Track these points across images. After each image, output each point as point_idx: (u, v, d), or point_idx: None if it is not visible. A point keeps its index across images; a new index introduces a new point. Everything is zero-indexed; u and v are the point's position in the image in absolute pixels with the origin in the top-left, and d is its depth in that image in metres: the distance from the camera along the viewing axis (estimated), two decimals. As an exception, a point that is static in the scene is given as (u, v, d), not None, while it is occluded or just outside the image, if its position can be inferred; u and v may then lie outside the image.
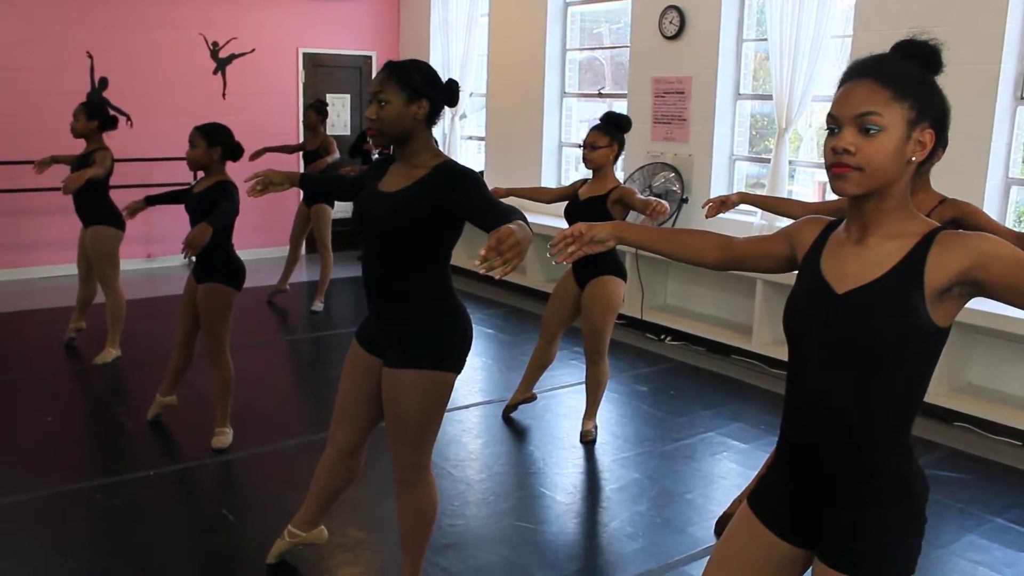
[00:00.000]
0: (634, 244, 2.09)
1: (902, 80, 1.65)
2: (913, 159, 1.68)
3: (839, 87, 1.71)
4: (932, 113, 1.67)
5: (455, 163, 2.75)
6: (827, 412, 1.74)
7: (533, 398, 4.99)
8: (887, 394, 1.69)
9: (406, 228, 2.67)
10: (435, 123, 2.80)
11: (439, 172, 2.68)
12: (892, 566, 1.73)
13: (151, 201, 4.70)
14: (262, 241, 9.25)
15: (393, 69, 2.71)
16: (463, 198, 2.59)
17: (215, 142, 4.25)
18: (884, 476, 1.73)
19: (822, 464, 1.77)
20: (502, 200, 4.64)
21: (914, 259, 1.66)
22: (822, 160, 1.74)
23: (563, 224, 4.66)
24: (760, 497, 1.92)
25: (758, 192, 6.75)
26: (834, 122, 1.68)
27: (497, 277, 2.00)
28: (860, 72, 1.69)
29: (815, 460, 1.78)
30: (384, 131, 2.71)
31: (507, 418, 4.96)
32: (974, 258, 1.61)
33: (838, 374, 1.71)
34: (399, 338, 2.78)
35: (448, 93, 2.79)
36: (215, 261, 4.21)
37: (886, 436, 1.72)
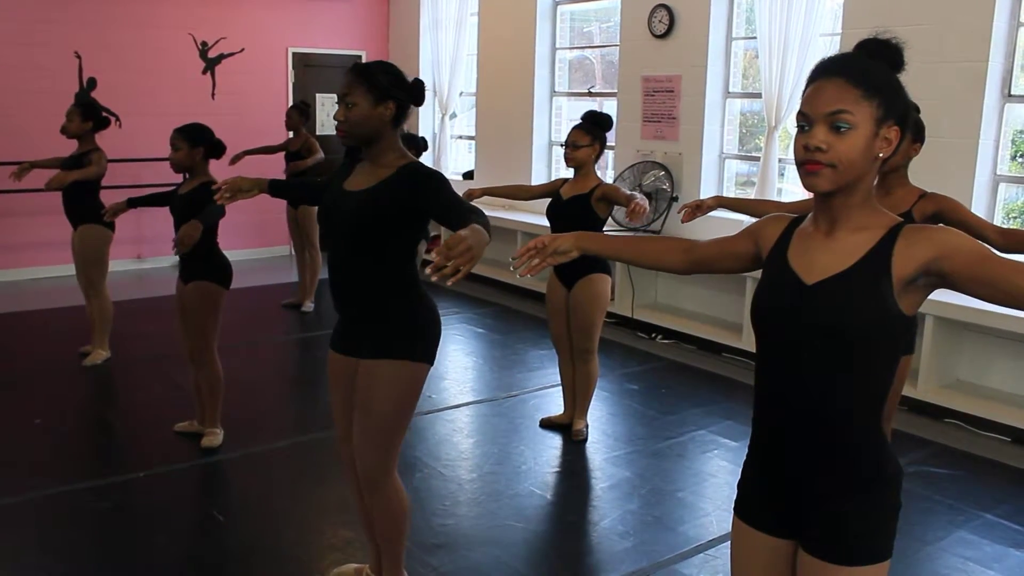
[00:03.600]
0: (597, 253, 2.14)
1: (871, 79, 1.69)
2: (880, 155, 1.72)
3: (808, 85, 1.75)
4: (898, 111, 1.71)
5: (420, 164, 2.80)
6: (799, 401, 1.77)
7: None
8: (856, 381, 1.73)
9: (370, 227, 2.69)
10: (402, 124, 2.83)
11: (404, 172, 2.71)
12: (871, 552, 1.75)
13: (133, 203, 4.68)
14: (250, 242, 9.23)
15: (360, 71, 2.75)
16: (427, 198, 2.64)
17: (197, 142, 4.24)
18: (858, 463, 1.75)
19: (796, 454, 1.79)
20: (475, 201, 4.66)
21: (882, 250, 1.70)
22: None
23: (547, 223, 4.65)
24: (741, 501, 1.94)
25: (748, 190, 6.78)
26: (805, 120, 1.72)
27: (447, 284, 2.01)
28: (830, 70, 1.72)
29: (788, 450, 1.80)
30: (352, 132, 2.75)
31: (544, 424, 4.86)
32: (938, 250, 1.65)
33: (809, 363, 1.74)
34: (368, 333, 2.80)
35: (414, 93, 2.82)
36: (201, 260, 4.20)
37: (858, 423, 1.75)
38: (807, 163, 1.70)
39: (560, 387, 4.87)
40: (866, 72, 1.69)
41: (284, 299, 7.63)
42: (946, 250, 1.64)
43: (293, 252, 7.56)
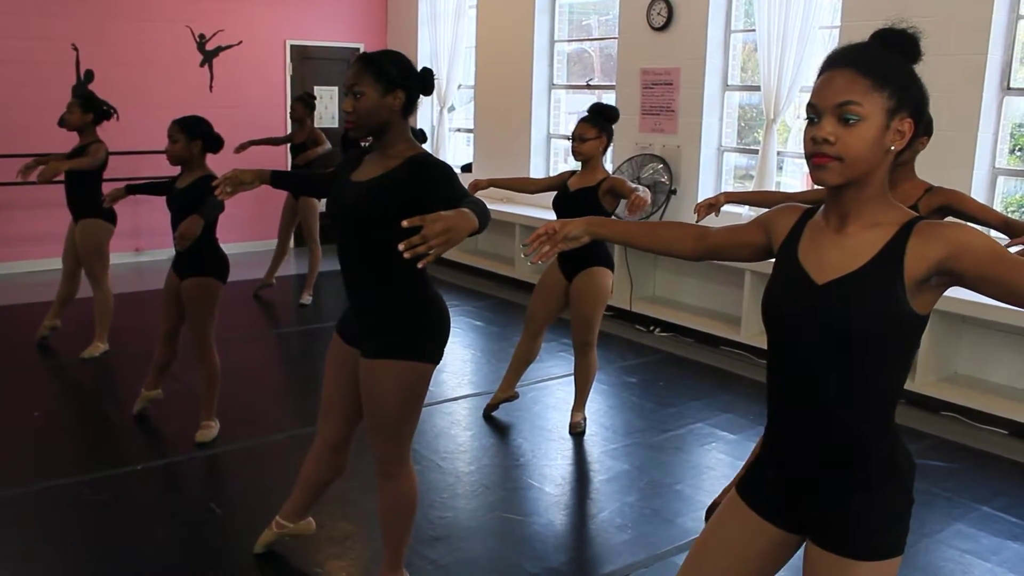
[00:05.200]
0: (608, 239, 2.11)
1: (881, 69, 1.65)
2: (892, 148, 1.68)
3: (819, 76, 1.72)
4: (911, 102, 1.67)
5: (429, 155, 2.76)
6: (809, 399, 1.75)
7: (515, 397, 4.90)
8: (869, 381, 1.71)
9: (376, 217, 2.67)
10: (411, 113, 2.80)
11: (412, 163, 2.69)
12: (883, 546, 1.74)
13: (132, 190, 4.67)
14: (249, 235, 9.21)
15: (368, 61, 2.71)
16: (432, 190, 2.62)
17: (195, 135, 4.22)
18: (870, 459, 1.74)
19: (808, 450, 1.78)
20: (482, 190, 4.63)
21: (894, 248, 1.67)
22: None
23: (552, 216, 4.65)
24: (749, 483, 1.93)
25: (747, 183, 6.78)
26: (814, 111, 1.68)
27: (419, 265, 2.01)
28: (840, 61, 1.69)
29: (800, 446, 1.79)
30: (361, 123, 2.71)
31: (488, 416, 4.89)
32: (951, 248, 1.61)
33: (819, 362, 1.72)
34: (374, 328, 2.78)
35: (423, 83, 2.79)
36: (199, 255, 4.19)
37: (870, 421, 1.73)
38: (815, 156, 1.67)
39: (557, 379, 4.87)
40: (877, 62, 1.66)
41: (284, 292, 7.61)
42: (959, 248, 1.60)
43: (278, 237, 7.52)
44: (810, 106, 1.69)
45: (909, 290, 1.65)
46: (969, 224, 1.70)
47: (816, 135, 1.66)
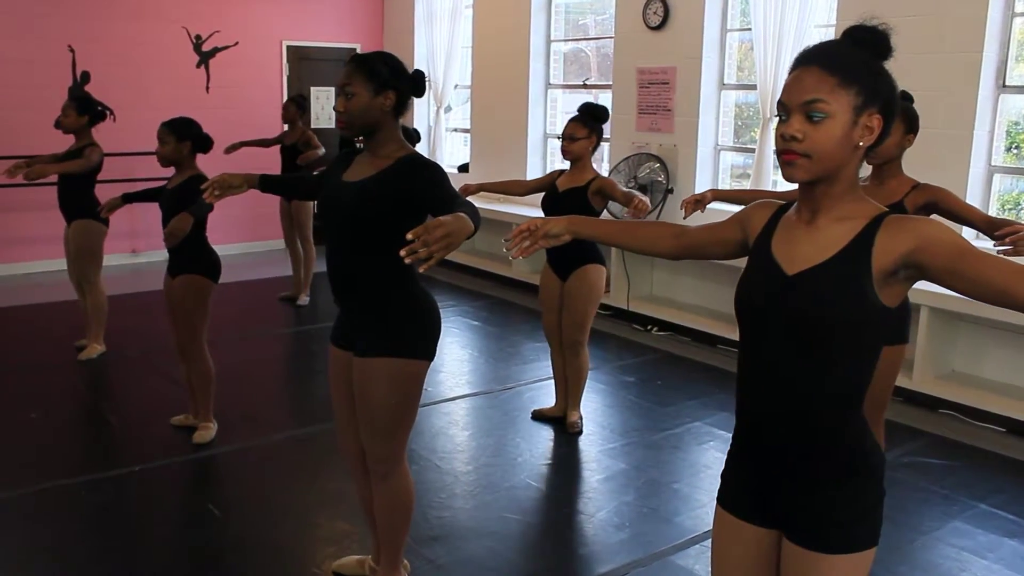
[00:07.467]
0: (589, 238, 2.13)
1: (849, 67, 1.67)
2: (861, 144, 1.70)
3: (789, 74, 1.74)
4: (879, 98, 1.69)
5: (419, 155, 2.77)
6: (778, 390, 1.77)
7: (563, 416, 4.82)
8: (837, 372, 1.72)
9: (367, 217, 2.68)
10: (403, 114, 2.81)
11: (403, 163, 2.70)
12: (856, 540, 1.76)
13: (128, 199, 4.67)
14: (243, 236, 9.21)
15: (360, 61, 2.73)
16: (424, 190, 2.63)
17: (185, 137, 4.23)
18: (839, 452, 1.75)
19: (777, 443, 1.79)
20: (471, 196, 4.66)
21: (862, 241, 1.69)
22: None
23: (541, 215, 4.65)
24: (724, 489, 1.94)
25: (743, 182, 6.79)
26: (783, 109, 1.71)
27: (420, 270, 2.02)
28: (808, 59, 1.71)
29: (770, 439, 1.80)
30: (352, 123, 2.72)
31: (536, 417, 4.86)
32: (917, 242, 1.64)
33: (788, 353, 1.74)
34: (366, 328, 2.79)
35: (414, 84, 2.81)
36: (190, 254, 4.20)
37: (839, 412, 1.75)
38: (784, 153, 1.70)
39: (551, 379, 4.86)
40: (843, 60, 1.68)
41: (279, 292, 7.62)
42: (924, 242, 1.63)
43: (286, 245, 7.54)
44: (780, 104, 1.72)
45: (877, 282, 1.67)
46: (937, 219, 1.71)
47: (785, 132, 1.69)
